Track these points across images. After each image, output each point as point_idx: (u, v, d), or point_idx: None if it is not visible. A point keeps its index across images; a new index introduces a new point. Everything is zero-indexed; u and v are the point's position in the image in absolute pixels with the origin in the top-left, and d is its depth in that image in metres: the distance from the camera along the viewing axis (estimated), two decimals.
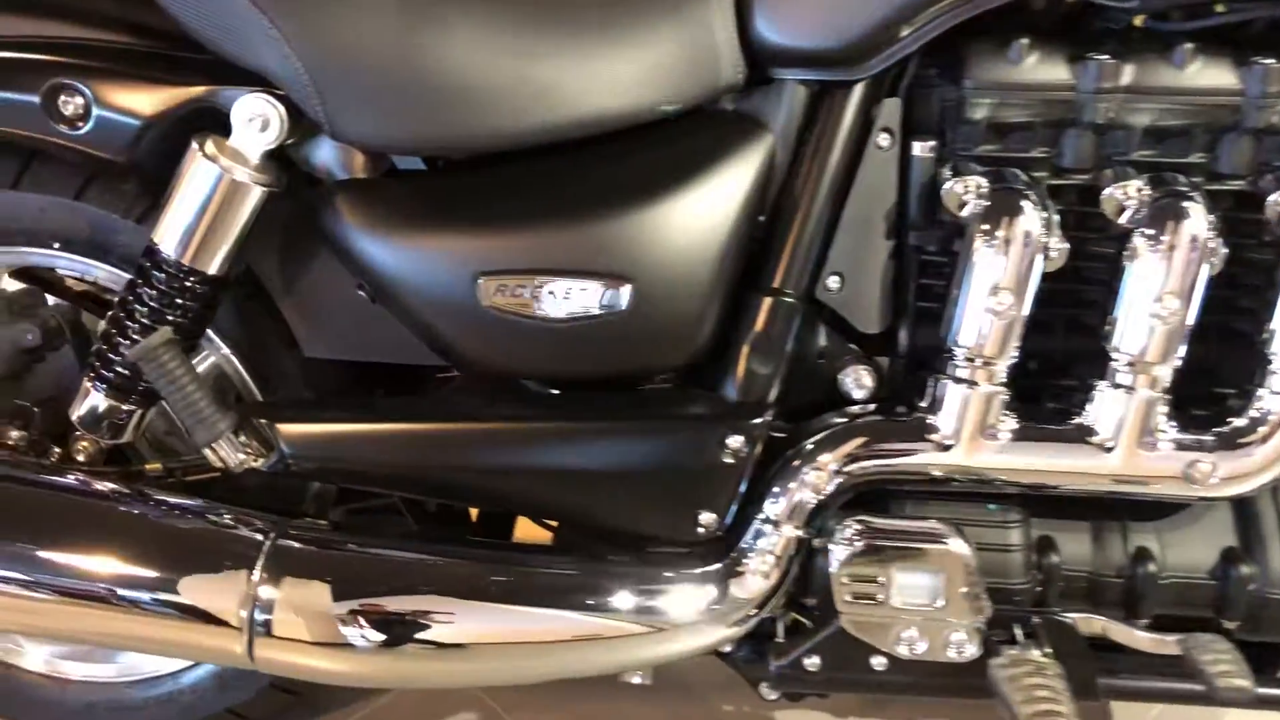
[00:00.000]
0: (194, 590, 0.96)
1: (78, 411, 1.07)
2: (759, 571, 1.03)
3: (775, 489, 1.02)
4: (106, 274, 1.14)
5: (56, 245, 1.13)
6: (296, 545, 0.98)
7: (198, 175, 0.99)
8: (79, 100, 1.00)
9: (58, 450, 1.14)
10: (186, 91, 1.00)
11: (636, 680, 1.10)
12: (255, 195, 0.99)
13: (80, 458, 1.11)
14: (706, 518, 1.03)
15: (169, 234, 1.00)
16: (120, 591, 0.97)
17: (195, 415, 0.99)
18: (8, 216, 1.12)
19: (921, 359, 1.05)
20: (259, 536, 0.98)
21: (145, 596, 0.97)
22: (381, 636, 0.96)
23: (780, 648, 1.06)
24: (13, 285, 1.21)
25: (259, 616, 0.95)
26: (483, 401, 1.06)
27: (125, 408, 1.06)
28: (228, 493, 1.07)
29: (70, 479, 1.05)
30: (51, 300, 1.20)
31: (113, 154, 1.01)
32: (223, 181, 0.98)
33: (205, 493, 1.07)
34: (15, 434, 1.12)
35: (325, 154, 1.02)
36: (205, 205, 0.99)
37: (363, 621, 0.96)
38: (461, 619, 0.98)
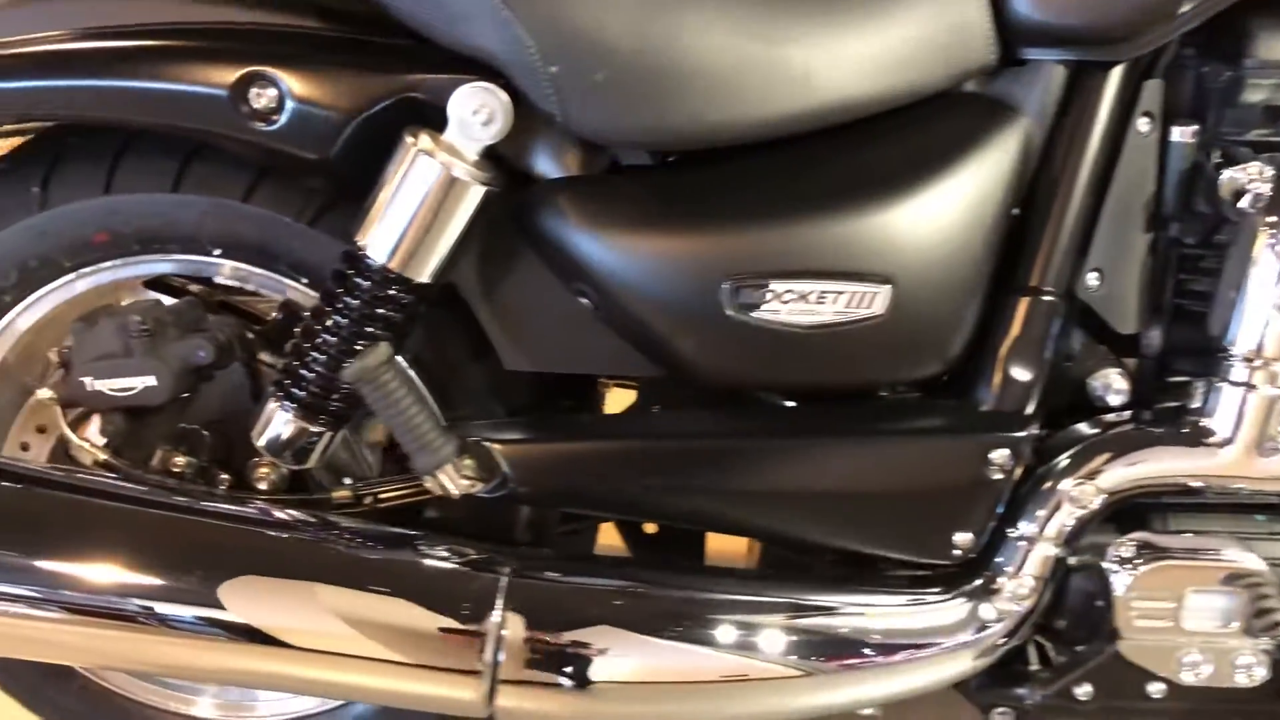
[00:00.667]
0: (426, 636, 0.86)
1: (263, 435, 0.97)
2: (1015, 595, 0.95)
3: (1032, 504, 0.95)
4: (273, 283, 1.04)
5: (217, 252, 1.03)
6: (538, 580, 0.89)
7: (412, 173, 0.89)
8: (272, 93, 0.89)
9: (224, 477, 1.04)
10: (391, 81, 0.90)
11: (866, 711, 1.02)
12: (475, 195, 0.89)
13: (262, 485, 1.01)
14: (962, 538, 0.95)
15: (377, 238, 0.90)
16: (337, 637, 0.87)
17: (418, 440, 0.89)
18: (164, 221, 1.01)
19: (1171, 361, 0.98)
20: (494, 573, 0.88)
21: (370, 644, 0.87)
22: (637, 675, 0.87)
23: (1042, 677, 0.98)
24: (157, 296, 1.11)
25: (502, 660, 0.86)
26: (717, 418, 0.97)
27: (314, 430, 0.97)
28: (427, 521, 0.98)
29: (254, 509, 0.95)
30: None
31: (308, 151, 0.91)
32: (441, 180, 0.88)
33: (403, 522, 0.98)
34: (181, 460, 1.02)
35: (541, 149, 0.93)
36: (420, 206, 0.89)
37: (616, 660, 0.86)
38: (712, 653, 0.89)
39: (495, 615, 0.86)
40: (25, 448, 1.10)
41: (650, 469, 0.93)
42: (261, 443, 0.97)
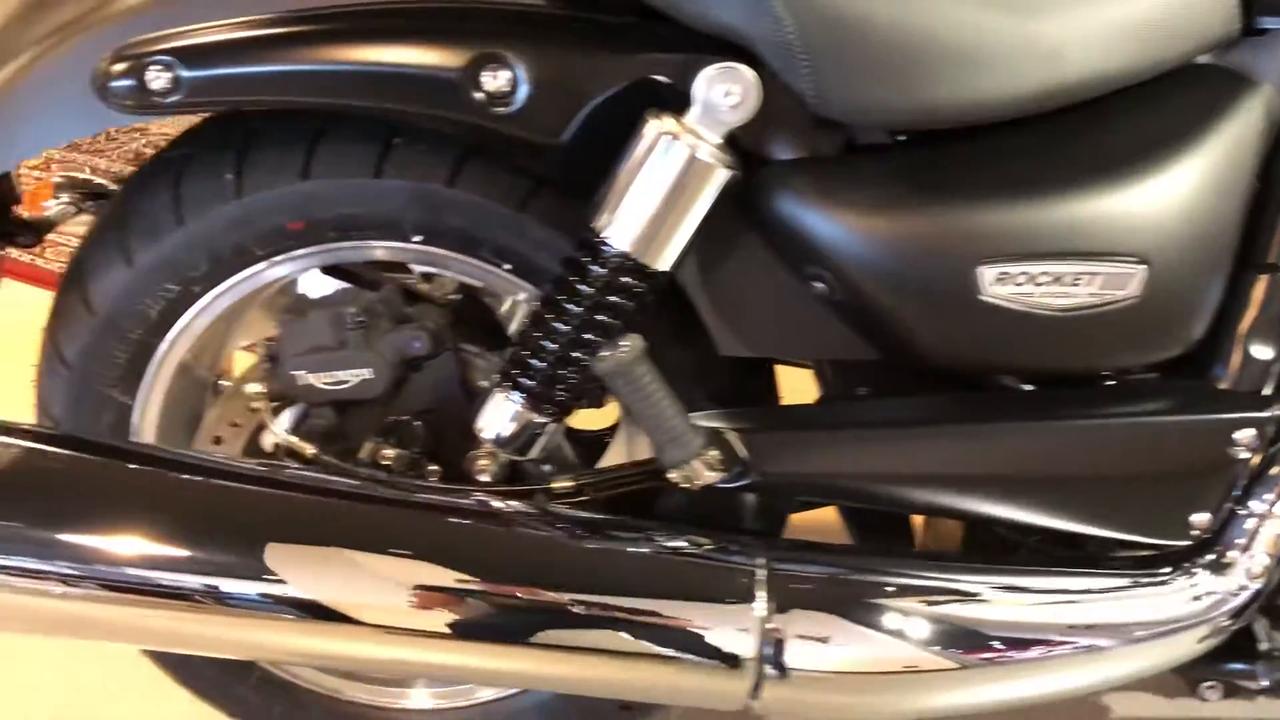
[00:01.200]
0: (688, 629, 0.85)
1: (488, 425, 0.95)
2: (1248, 573, 0.94)
3: (1265, 481, 0.94)
4: (472, 268, 1.01)
5: (417, 238, 1.00)
6: (795, 569, 0.87)
7: (657, 157, 0.86)
8: (505, 75, 0.86)
9: (433, 468, 1.02)
10: (629, 62, 0.87)
11: None
12: (719, 179, 0.87)
13: (484, 477, 0.99)
14: (1199, 519, 0.94)
15: (617, 224, 0.88)
16: (594, 631, 0.86)
17: (670, 433, 0.87)
18: (364, 207, 0.98)
19: None
20: (749, 562, 0.87)
21: (623, 636, 0.85)
22: (899, 664, 0.86)
23: (1268, 654, 0.97)
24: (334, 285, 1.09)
25: (768, 653, 0.84)
26: (957, 402, 0.95)
27: (539, 420, 0.94)
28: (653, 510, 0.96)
29: (478, 502, 0.93)
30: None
31: (541, 135, 0.88)
32: (687, 164, 0.86)
33: (631, 511, 0.96)
34: (391, 452, 1.00)
35: (775, 129, 0.90)
36: (664, 191, 0.86)
37: (878, 648, 0.85)
38: (965, 637, 0.88)
39: (759, 605, 0.85)
40: (219, 441, 1.07)
41: (891, 454, 0.91)
42: (486, 433, 0.95)
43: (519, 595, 0.86)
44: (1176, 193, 0.88)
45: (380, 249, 1.01)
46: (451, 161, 0.97)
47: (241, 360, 1.16)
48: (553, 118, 0.87)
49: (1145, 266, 0.87)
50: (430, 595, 0.84)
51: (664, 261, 0.88)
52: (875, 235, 0.88)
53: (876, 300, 0.89)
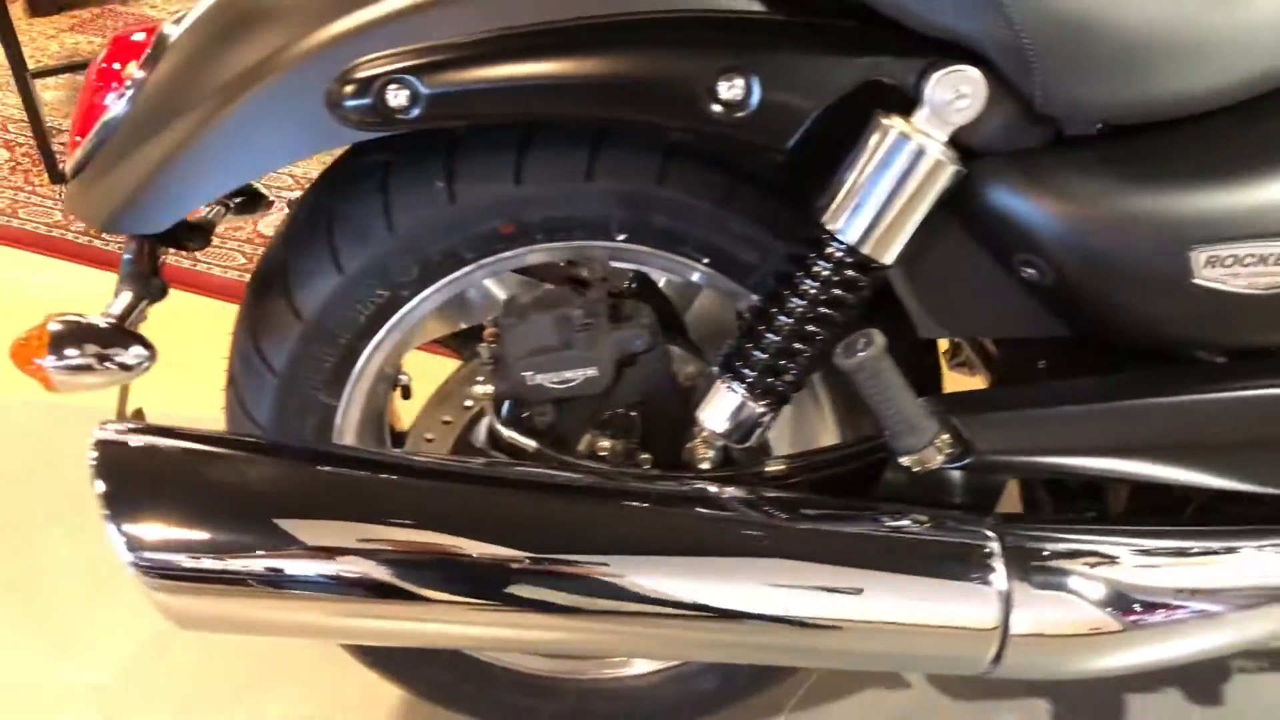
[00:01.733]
0: (932, 603, 0.91)
1: (715, 417, 0.99)
2: None
3: None
4: (674, 264, 1.05)
5: (622, 236, 1.03)
6: (1027, 539, 0.93)
7: (889, 155, 0.90)
8: (740, 83, 0.89)
9: (645, 456, 1.06)
10: (857, 67, 0.90)
11: None
12: (948, 176, 0.91)
13: (704, 465, 1.04)
14: None
15: (849, 220, 0.92)
16: (841, 605, 0.91)
17: (908, 422, 0.92)
18: (573, 209, 1.02)
19: None
20: (983, 535, 0.92)
21: (873, 610, 0.91)
22: (1135, 625, 0.92)
23: None
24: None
25: (1010, 621, 0.90)
26: (1156, 378, 0.99)
27: (760, 409, 0.99)
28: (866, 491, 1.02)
29: (719, 490, 0.98)
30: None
31: (771, 140, 0.92)
32: (919, 162, 0.90)
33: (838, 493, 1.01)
34: (607, 444, 1.04)
35: (989, 124, 0.94)
36: (895, 188, 0.90)
37: (1122, 611, 0.92)
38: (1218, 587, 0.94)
39: (998, 576, 0.91)
40: (430, 440, 1.11)
41: (1103, 429, 0.97)
42: (709, 423, 0.99)
43: (774, 575, 0.91)
44: None
45: (585, 248, 1.04)
46: (659, 162, 1.00)
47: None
48: (784, 122, 0.91)
49: None
50: (683, 580, 0.89)
51: (889, 255, 0.93)
52: (1091, 224, 0.92)
53: (1089, 285, 0.94)
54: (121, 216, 0.98)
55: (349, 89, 0.90)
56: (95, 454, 0.85)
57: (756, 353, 0.97)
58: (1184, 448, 0.97)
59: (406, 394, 1.21)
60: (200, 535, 0.85)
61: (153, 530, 0.84)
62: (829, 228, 0.92)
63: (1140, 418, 0.96)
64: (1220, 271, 0.92)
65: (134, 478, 0.86)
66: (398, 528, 0.87)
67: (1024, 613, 0.91)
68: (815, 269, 0.94)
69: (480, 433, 1.09)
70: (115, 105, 1.02)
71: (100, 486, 0.84)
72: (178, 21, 1.03)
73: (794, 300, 0.95)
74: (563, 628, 0.90)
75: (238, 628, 0.90)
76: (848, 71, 0.91)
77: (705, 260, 1.04)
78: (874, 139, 0.90)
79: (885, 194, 0.90)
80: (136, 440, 0.87)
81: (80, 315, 0.99)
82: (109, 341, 0.98)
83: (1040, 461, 0.97)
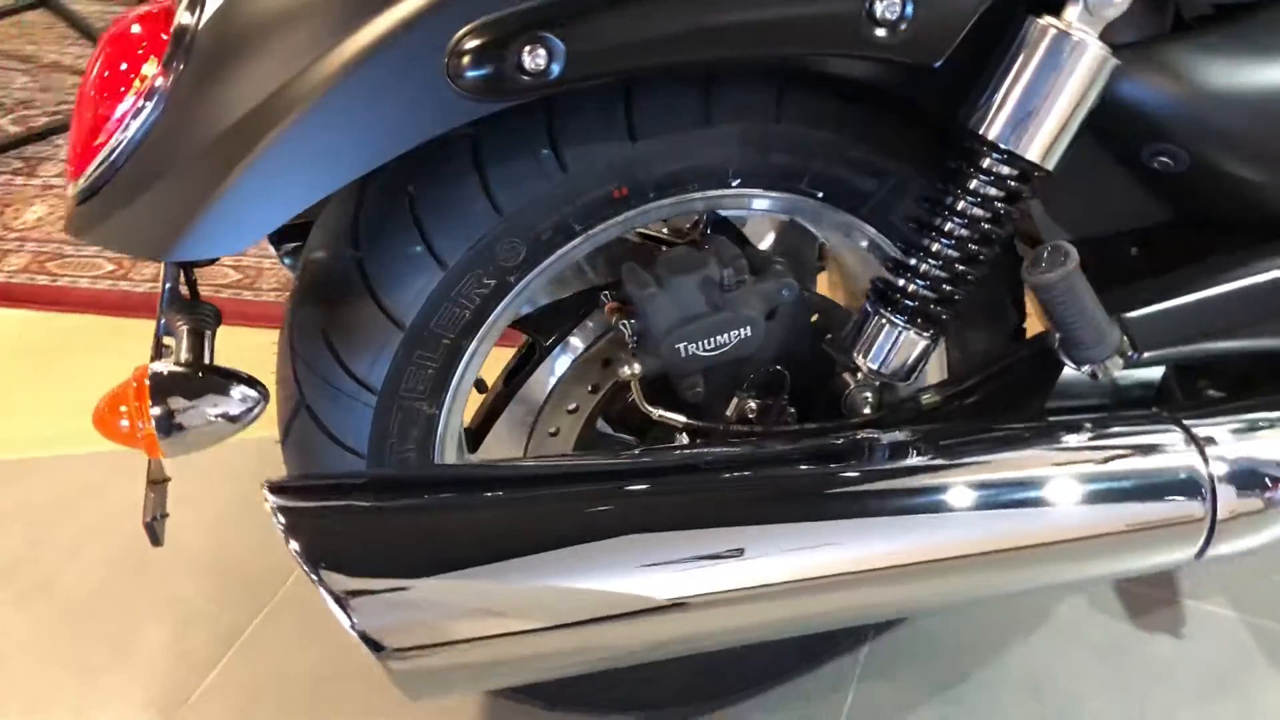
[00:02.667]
0: (1147, 503, 0.90)
1: (877, 355, 0.94)
2: None
3: None
4: (784, 203, 0.99)
5: (737, 182, 0.96)
6: (1214, 426, 0.93)
7: (1051, 55, 0.86)
8: (896, 2, 0.83)
9: (792, 411, 1.00)
10: None
11: None
12: (1108, 69, 0.88)
13: (866, 410, 0.99)
14: None
15: (1006, 127, 0.88)
16: (1064, 525, 0.89)
17: (1098, 333, 0.90)
18: (692, 159, 0.94)
19: None
20: (1175, 428, 0.92)
21: (1089, 524, 0.90)
22: None
23: None
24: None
25: (1219, 506, 0.91)
26: None
27: (924, 341, 0.95)
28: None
29: (884, 436, 0.93)
30: None
31: (926, 56, 0.86)
32: (1080, 58, 0.87)
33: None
34: (754, 404, 0.98)
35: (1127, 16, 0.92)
36: (1058, 88, 0.87)
37: None
38: None
39: (1199, 467, 0.91)
40: (555, 433, 1.01)
41: (1269, 301, 0.97)
42: (872, 362, 0.95)
43: (997, 506, 0.88)
44: None
45: (698, 200, 0.97)
46: (775, 95, 0.94)
47: None
48: (939, 36, 0.86)
49: None
50: (923, 525, 0.85)
51: (1054, 159, 0.90)
52: (1225, 104, 0.92)
53: (1225, 166, 0.94)
54: (193, 241, 0.82)
55: (473, 56, 0.78)
56: (285, 525, 0.72)
57: (916, 281, 0.93)
58: None
59: (481, 388, 1.10)
60: (429, 589, 0.73)
61: (375, 599, 0.72)
62: (990, 137, 0.88)
63: None
64: None
65: (340, 544, 0.73)
66: (631, 532, 0.78)
67: (1227, 495, 0.92)
68: (973, 185, 0.90)
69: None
70: (139, 115, 0.86)
71: (305, 561, 0.71)
72: (193, 5, 0.87)
73: (953, 221, 0.91)
74: (838, 596, 0.84)
75: (485, 680, 0.79)
76: None
77: (819, 194, 0.98)
78: (1032, 41, 0.86)
79: (1048, 95, 0.87)
80: (318, 501, 0.74)
81: (165, 364, 0.84)
82: (213, 389, 0.83)
83: (1204, 348, 0.97)
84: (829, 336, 1.00)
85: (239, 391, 0.83)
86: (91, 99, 0.90)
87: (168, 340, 0.92)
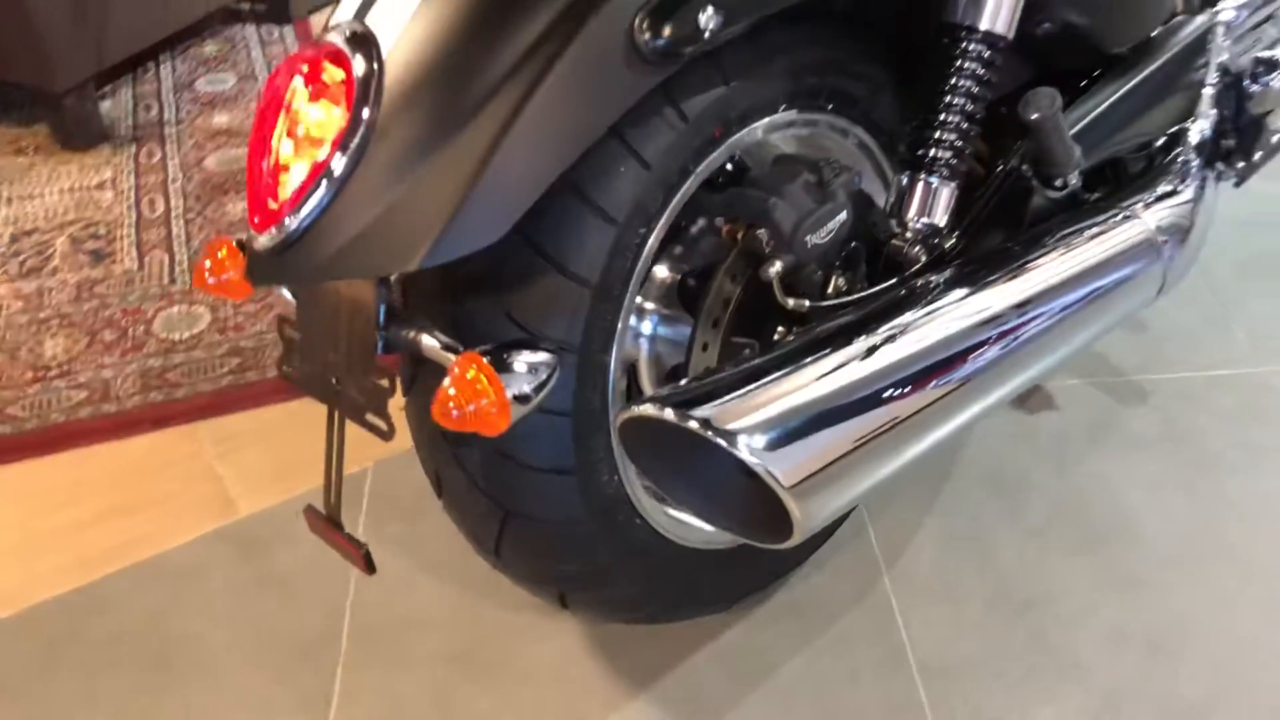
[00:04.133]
0: (1129, 266, 1.25)
1: (929, 209, 1.21)
2: None
3: None
4: (809, 121, 1.23)
5: (784, 108, 1.19)
6: (1147, 208, 1.30)
7: None
8: None
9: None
10: None
11: None
12: None
13: (922, 257, 1.24)
14: None
15: (978, 11, 1.18)
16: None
17: (1069, 154, 1.23)
18: (758, 94, 1.14)
19: None
20: (1133, 213, 1.28)
21: (1108, 284, 1.23)
22: None
23: None
24: None
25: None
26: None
27: (953, 189, 1.23)
28: None
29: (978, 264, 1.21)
30: None
31: None
32: None
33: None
34: (843, 280, 1.21)
35: None
36: None
37: None
38: None
39: (1152, 231, 1.27)
40: (705, 349, 1.18)
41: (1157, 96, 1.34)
42: (927, 217, 1.21)
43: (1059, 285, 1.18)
44: None
45: (760, 129, 1.18)
46: (802, 32, 1.16)
47: None
48: None
49: None
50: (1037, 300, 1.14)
51: (1011, 30, 1.21)
52: None
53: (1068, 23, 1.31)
54: (446, 242, 0.92)
55: (655, 25, 0.95)
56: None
57: (938, 145, 1.20)
58: None
59: None
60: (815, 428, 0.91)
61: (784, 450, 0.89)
62: (969, 24, 1.18)
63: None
64: None
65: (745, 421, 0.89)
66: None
67: (1171, 248, 1.28)
68: (962, 64, 1.19)
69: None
70: (345, 150, 0.94)
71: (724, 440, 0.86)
72: (359, 47, 0.95)
73: (953, 96, 1.20)
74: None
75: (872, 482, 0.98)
76: None
77: (830, 106, 1.23)
78: None
79: None
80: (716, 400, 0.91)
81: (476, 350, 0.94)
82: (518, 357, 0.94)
83: (1115, 145, 1.33)
84: (876, 211, 1.25)
85: (540, 356, 0.94)
86: (271, 152, 0.95)
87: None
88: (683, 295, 1.23)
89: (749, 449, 0.89)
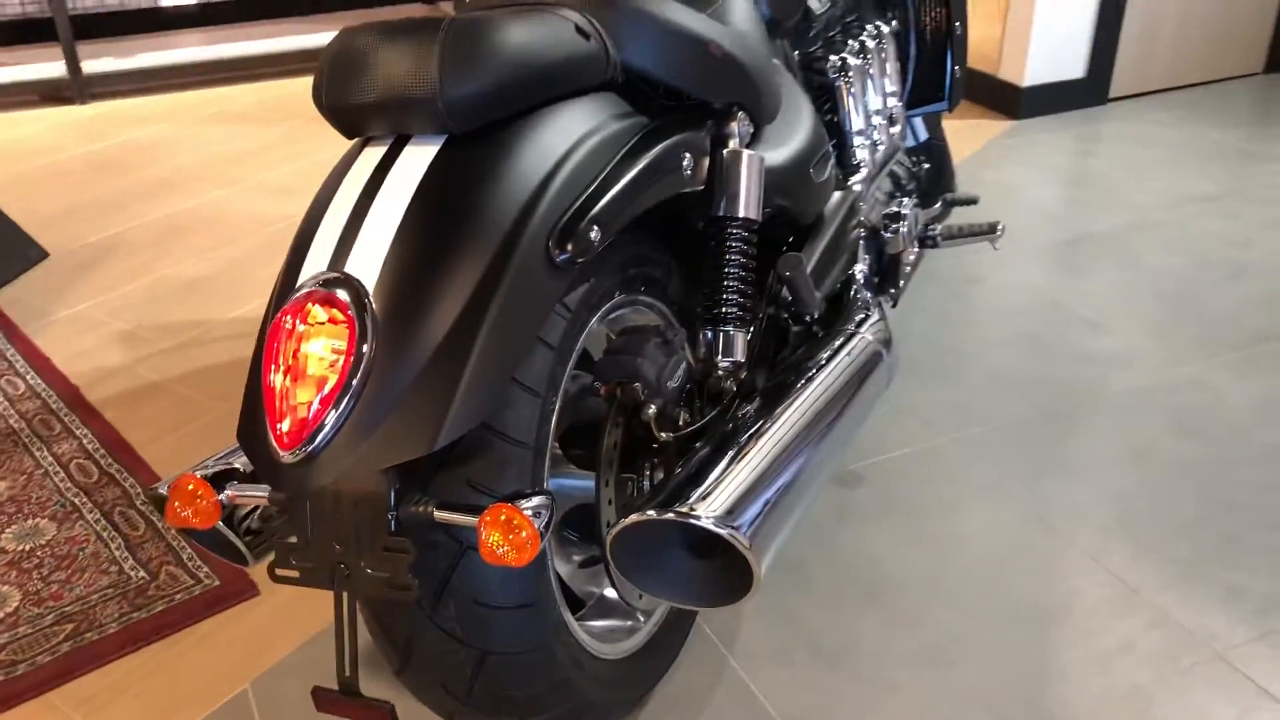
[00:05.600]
0: (878, 369, 1.71)
1: (735, 351, 1.61)
2: None
3: None
4: (640, 300, 1.61)
5: (642, 289, 1.56)
6: (874, 324, 1.78)
7: (730, 166, 1.63)
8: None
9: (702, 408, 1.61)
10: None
11: None
12: (759, 166, 1.67)
13: (730, 387, 1.62)
14: None
15: (735, 208, 1.63)
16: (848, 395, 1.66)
17: (812, 295, 1.67)
18: (608, 278, 1.51)
19: None
20: (857, 332, 1.75)
21: (857, 389, 1.68)
22: None
23: None
24: None
25: (890, 358, 1.76)
26: None
27: (748, 333, 1.64)
28: None
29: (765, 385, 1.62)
30: None
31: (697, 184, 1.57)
32: (748, 165, 1.65)
33: None
34: (686, 414, 1.57)
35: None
36: (747, 183, 1.64)
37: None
38: None
39: (880, 344, 1.75)
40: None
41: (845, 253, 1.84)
42: (733, 356, 1.61)
43: (815, 405, 1.62)
44: None
45: (603, 309, 1.54)
46: (630, 235, 1.55)
47: None
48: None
49: None
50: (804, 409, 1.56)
51: (759, 214, 1.66)
52: (769, 179, 1.78)
53: (774, 203, 1.80)
54: (448, 429, 1.18)
55: (561, 243, 1.29)
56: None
57: (727, 304, 1.62)
58: None
59: None
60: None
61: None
62: (730, 214, 1.62)
63: None
64: None
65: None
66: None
67: (889, 353, 1.77)
68: (731, 243, 1.62)
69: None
70: (357, 371, 1.18)
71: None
72: (350, 292, 1.20)
73: (730, 266, 1.62)
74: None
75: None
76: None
77: (642, 288, 1.62)
78: (727, 163, 1.62)
79: (745, 181, 1.63)
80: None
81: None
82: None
83: (826, 283, 1.81)
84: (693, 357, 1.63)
85: (538, 500, 1.21)
86: (288, 379, 1.18)
87: None
88: (566, 447, 1.53)
89: (720, 525, 1.21)
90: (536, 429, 1.34)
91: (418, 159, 1.27)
